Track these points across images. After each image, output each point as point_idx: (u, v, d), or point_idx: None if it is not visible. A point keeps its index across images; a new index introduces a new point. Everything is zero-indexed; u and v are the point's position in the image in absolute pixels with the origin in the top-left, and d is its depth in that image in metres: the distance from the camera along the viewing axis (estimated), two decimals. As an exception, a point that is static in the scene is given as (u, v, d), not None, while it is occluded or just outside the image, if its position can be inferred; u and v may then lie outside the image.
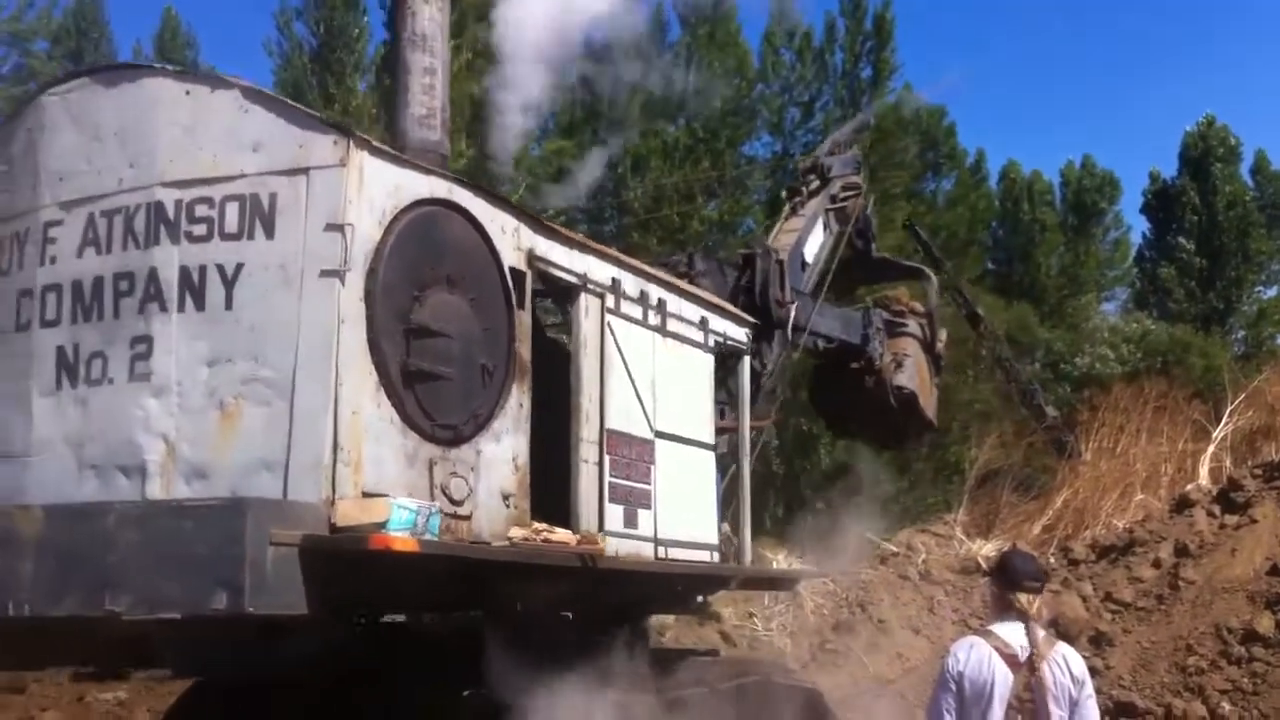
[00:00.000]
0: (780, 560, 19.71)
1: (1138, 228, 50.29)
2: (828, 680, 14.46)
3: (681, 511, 9.33)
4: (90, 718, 13.07)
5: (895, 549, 20.36)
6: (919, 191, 36.43)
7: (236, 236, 6.93)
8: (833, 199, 13.68)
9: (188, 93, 7.21)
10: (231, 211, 6.95)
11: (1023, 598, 5.99)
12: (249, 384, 6.80)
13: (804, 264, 12.71)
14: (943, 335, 15.10)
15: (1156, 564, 16.87)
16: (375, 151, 7.03)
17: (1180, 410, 22.81)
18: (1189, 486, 19.17)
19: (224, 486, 6.70)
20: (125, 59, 42.98)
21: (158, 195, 7.10)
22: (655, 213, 31.16)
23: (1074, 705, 5.90)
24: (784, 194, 14.18)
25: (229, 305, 6.90)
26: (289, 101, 7.40)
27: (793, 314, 11.61)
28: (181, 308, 6.98)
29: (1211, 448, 20.72)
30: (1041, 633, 5.98)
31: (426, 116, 8.49)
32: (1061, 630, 14.33)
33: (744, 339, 10.58)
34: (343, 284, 6.72)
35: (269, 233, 6.89)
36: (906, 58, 48.49)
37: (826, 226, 13.41)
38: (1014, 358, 29.88)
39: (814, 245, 12.99)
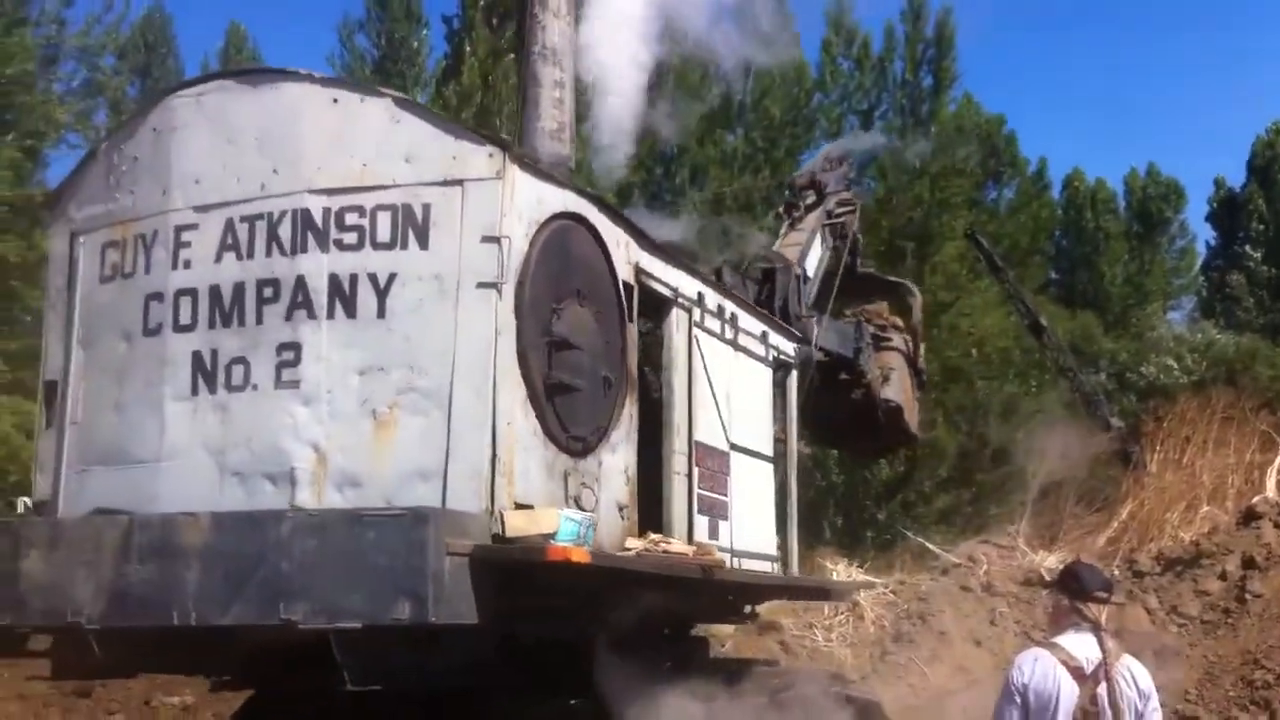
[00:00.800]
0: (840, 571, 19.63)
1: (1203, 236, 49.64)
2: (888, 692, 14.36)
3: (749, 522, 9.41)
4: (156, 721, 13.26)
5: (957, 560, 20.19)
6: (980, 200, 36.15)
7: (389, 246, 6.95)
8: (829, 214, 13.69)
9: (335, 100, 7.20)
10: (383, 221, 6.97)
11: (1093, 608, 5.94)
12: (404, 394, 6.82)
13: (805, 278, 12.75)
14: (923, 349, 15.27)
15: (1223, 577, 16.64)
16: (524, 165, 7.09)
17: (1247, 421, 22.43)
18: (1256, 499, 18.89)
19: (378, 496, 6.72)
20: (193, 74, 43.59)
21: (305, 202, 7.08)
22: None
23: (1140, 719, 5.83)
24: (781, 209, 14.18)
25: (381, 314, 6.92)
26: (441, 113, 7.50)
27: (814, 328, 11.66)
28: (331, 315, 6.97)
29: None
30: (1112, 643, 5.92)
31: (557, 130, 8.70)
32: (1125, 643, 14.15)
33: (793, 353, 10.65)
34: (500, 296, 6.77)
35: (423, 243, 6.92)
36: (967, 66, 48.20)
37: (824, 241, 13.42)
38: (1078, 368, 29.57)
39: (813, 260, 13.02)
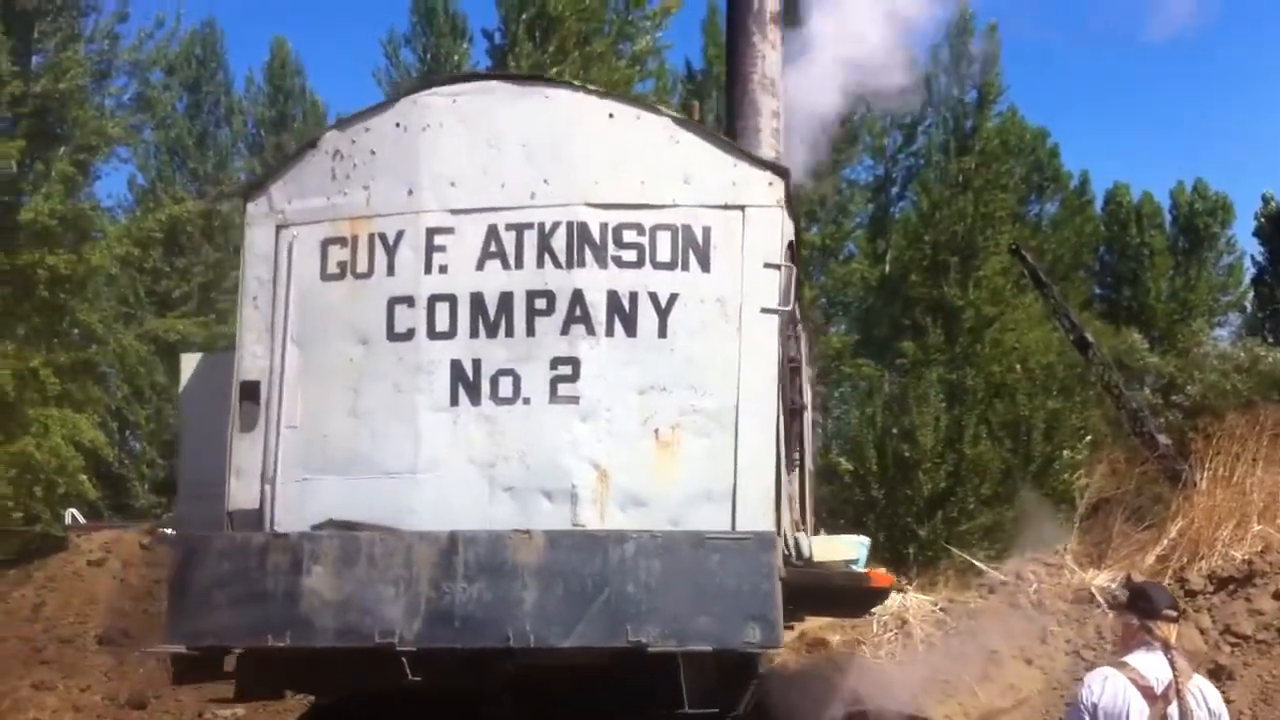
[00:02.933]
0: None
1: (1251, 251, 49.17)
2: (938, 710, 14.28)
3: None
4: (208, 733, 13.35)
5: (1004, 578, 20.04)
6: (1023, 215, 35.99)
7: (670, 266, 7.01)
8: None
9: (611, 115, 7.21)
10: (663, 240, 7.02)
11: (1162, 627, 5.91)
12: (686, 414, 6.88)
13: None
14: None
15: (1277, 596, 16.45)
16: (787, 194, 7.21)
17: (1297, 438, 22.19)
18: (1309, 517, 18.69)
19: (663, 517, 6.76)
20: (238, 89, 44.00)
21: (581, 215, 7.05)
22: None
23: None
24: None
25: (662, 333, 6.98)
26: (721, 136, 7.45)
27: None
28: (610, 332, 6.98)
29: (1332, 476, 20.17)
30: (1182, 663, 5.89)
31: (777, 160, 8.58)
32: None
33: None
34: (780, 322, 6.96)
35: (704, 266, 7.01)
36: (1012, 79, 48.04)
37: None
38: (1123, 384, 29.35)
39: None
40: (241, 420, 7.32)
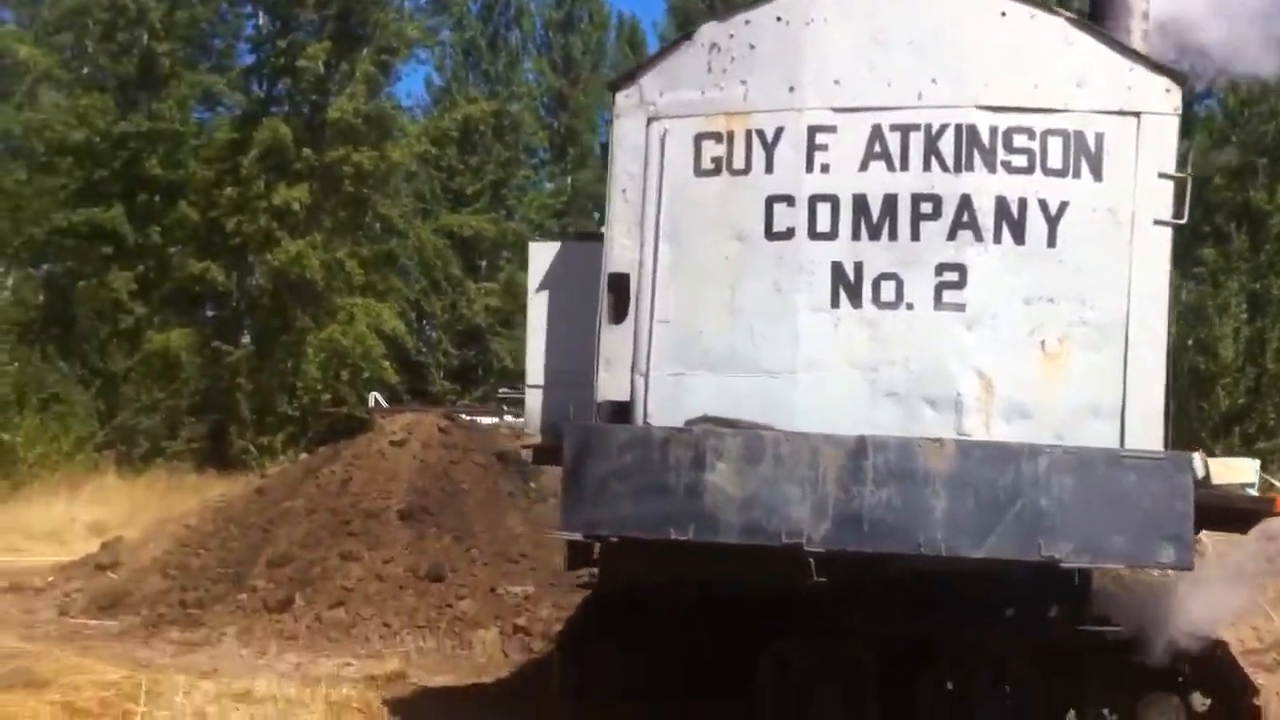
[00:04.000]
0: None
1: None
2: (1230, 634, 13.74)
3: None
4: (501, 608, 13.97)
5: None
6: None
7: (1061, 173, 6.93)
8: None
9: (1004, 14, 7.04)
10: (1054, 146, 6.91)
11: None
12: (1074, 326, 6.87)
13: None
14: None
15: None
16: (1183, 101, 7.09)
17: None
18: None
19: (1049, 430, 6.79)
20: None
21: (971, 118, 6.95)
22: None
23: None
24: None
25: (1051, 243, 6.91)
26: (1116, 39, 7.25)
27: None
28: (998, 239, 6.90)
29: None
30: None
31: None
32: None
33: None
34: (1176, 235, 6.93)
35: (1096, 174, 6.92)
36: None
37: None
38: None
39: None
40: (611, 312, 7.39)
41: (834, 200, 7.03)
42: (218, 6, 37.01)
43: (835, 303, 7.00)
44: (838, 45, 7.12)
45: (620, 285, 7.35)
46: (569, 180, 50.15)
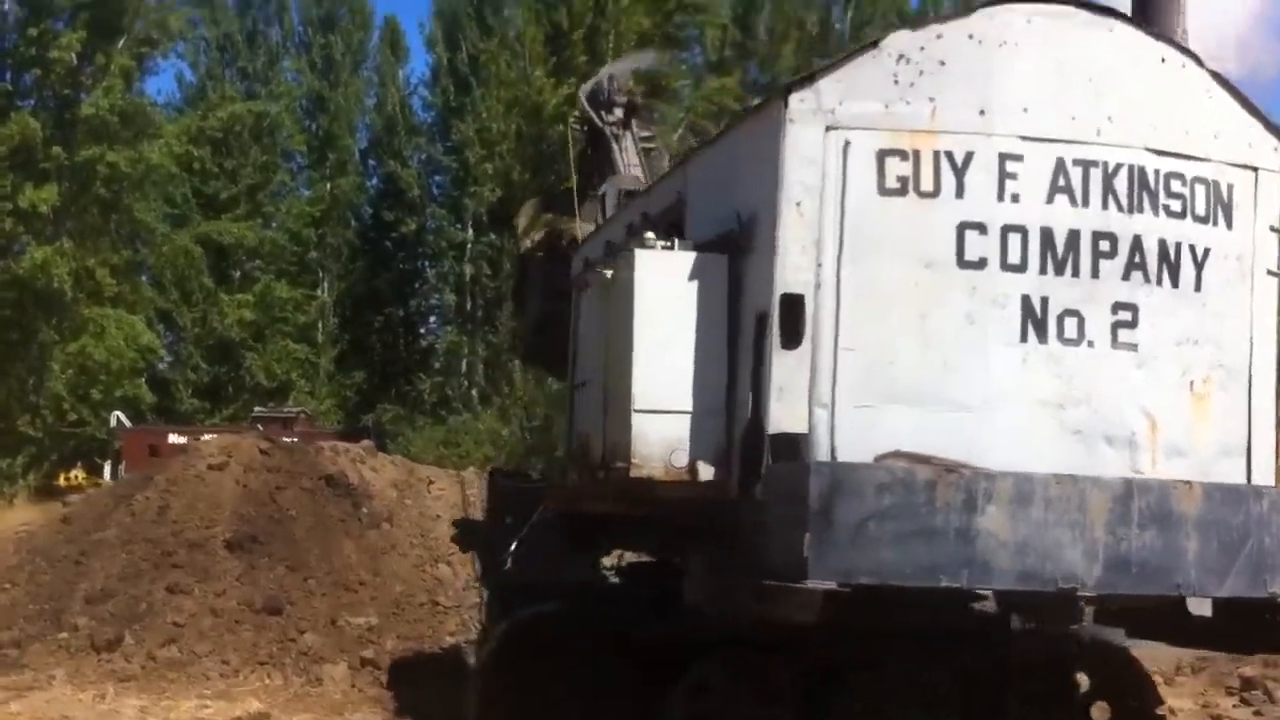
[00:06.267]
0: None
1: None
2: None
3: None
4: (344, 640, 13.37)
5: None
6: None
7: (1204, 220, 7.11)
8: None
9: (1163, 60, 7.15)
10: (1200, 193, 7.09)
11: None
12: (1214, 369, 7.08)
13: None
14: None
15: None
16: None
17: None
18: None
19: (1197, 469, 6.94)
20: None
21: (1141, 159, 6.98)
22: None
23: None
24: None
25: (1198, 287, 7.06)
26: (1244, 94, 7.42)
27: None
28: (1159, 281, 6.99)
29: None
30: None
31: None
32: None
33: None
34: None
35: (1229, 223, 7.15)
36: None
37: None
38: None
39: None
40: (783, 337, 6.83)
41: (1023, 231, 6.86)
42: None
43: (1024, 337, 6.83)
44: (1026, 72, 6.97)
45: (794, 307, 6.80)
46: (328, 186, 48.64)
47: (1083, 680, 8.74)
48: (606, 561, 14.77)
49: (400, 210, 49.01)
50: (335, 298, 49.37)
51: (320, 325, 48.24)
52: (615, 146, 13.63)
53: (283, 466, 16.00)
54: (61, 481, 32.43)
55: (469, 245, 47.02)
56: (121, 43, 35.27)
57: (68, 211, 34.65)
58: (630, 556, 14.85)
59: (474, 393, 45.62)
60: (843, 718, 7.89)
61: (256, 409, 37.64)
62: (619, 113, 14.05)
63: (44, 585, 14.22)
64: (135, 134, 35.67)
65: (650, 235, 7.41)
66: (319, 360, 47.40)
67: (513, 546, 15.03)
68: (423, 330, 52.77)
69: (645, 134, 14.36)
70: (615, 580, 11.44)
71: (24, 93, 35.09)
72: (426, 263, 51.33)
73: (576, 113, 15.79)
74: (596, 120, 14.00)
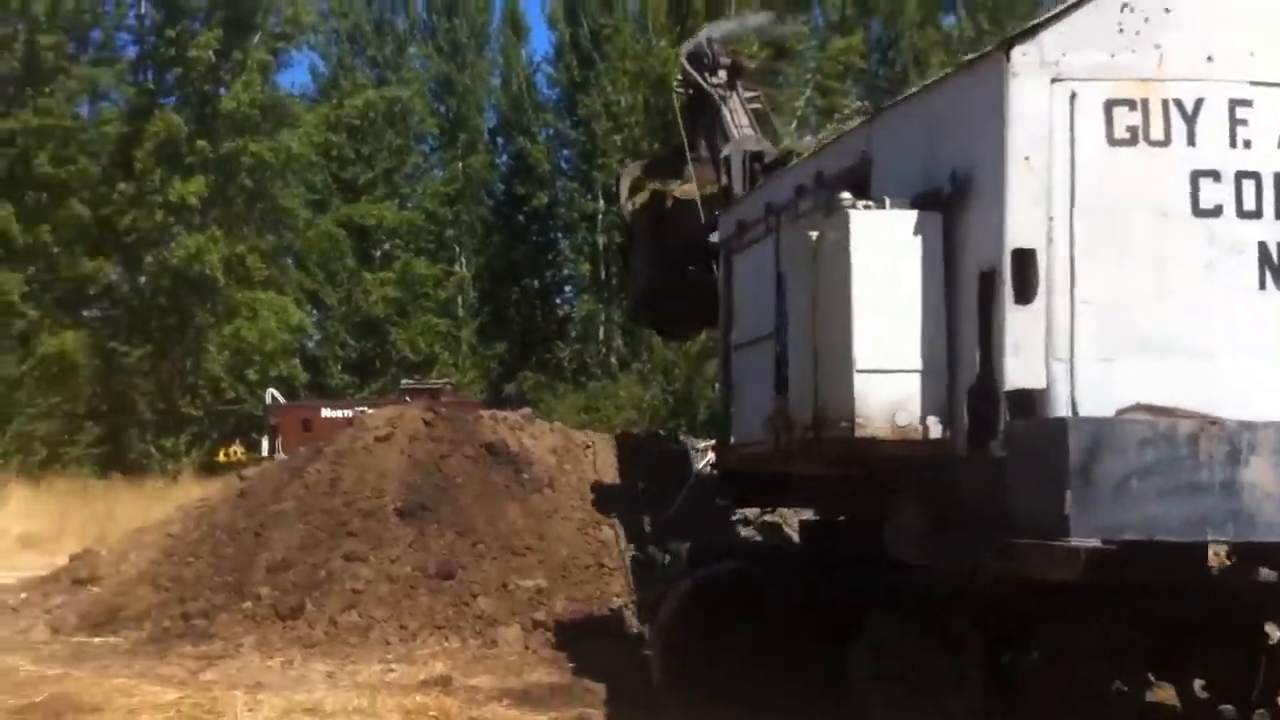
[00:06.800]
0: None
1: None
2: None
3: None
4: (515, 603, 13.61)
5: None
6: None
7: None
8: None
9: None
10: None
11: None
12: None
13: None
14: None
15: None
16: None
17: None
18: None
19: None
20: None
21: None
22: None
23: None
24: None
25: None
26: None
27: None
28: None
29: None
30: None
31: None
32: None
33: None
34: None
35: None
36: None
37: None
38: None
39: None
40: (1016, 292, 6.83)
41: (1257, 178, 6.81)
42: (99, -2, 35.58)
43: (1263, 285, 6.81)
44: (1251, 16, 6.93)
45: (1026, 262, 6.81)
46: (460, 166, 49.38)
47: (1272, 631, 8.59)
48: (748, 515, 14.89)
49: (531, 185, 49.71)
50: (473, 273, 50.29)
51: (460, 299, 49.12)
52: (724, 108, 13.54)
53: (445, 436, 16.20)
54: (221, 458, 33.19)
55: (600, 216, 47.38)
56: (256, 39, 36.20)
57: (215, 202, 35.80)
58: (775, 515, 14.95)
59: (613, 359, 46.17)
60: (1025, 669, 7.86)
61: (404, 382, 38.38)
62: (723, 74, 13.97)
63: (226, 558, 14.61)
64: (275, 125, 36.63)
65: (847, 195, 7.33)
66: (460, 333, 48.36)
67: (674, 507, 15.23)
68: (559, 300, 53.44)
69: (751, 93, 14.29)
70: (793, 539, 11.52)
71: (166, 91, 36.25)
72: (559, 234, 52.05)
73: (679, 75, 15.64)
74: (703, 83, 13.90)
